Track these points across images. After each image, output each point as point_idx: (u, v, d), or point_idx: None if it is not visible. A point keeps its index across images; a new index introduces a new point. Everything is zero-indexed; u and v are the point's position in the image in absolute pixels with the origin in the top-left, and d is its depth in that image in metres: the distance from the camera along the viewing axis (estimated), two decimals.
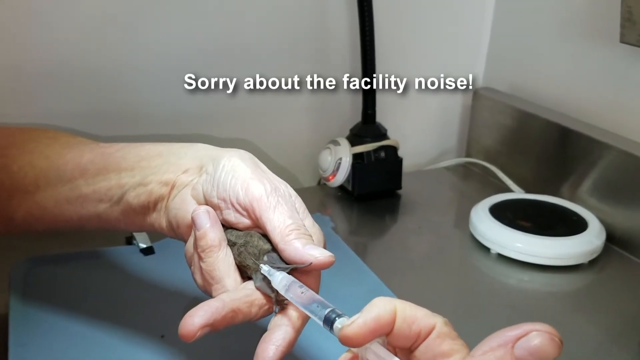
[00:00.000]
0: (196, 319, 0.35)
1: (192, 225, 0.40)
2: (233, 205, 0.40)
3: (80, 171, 0.47)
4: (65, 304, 0.55)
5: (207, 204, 0.41)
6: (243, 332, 0.53)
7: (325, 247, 0.40)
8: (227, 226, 0.41)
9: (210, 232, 0.39)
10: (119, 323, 0.53)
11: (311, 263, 0.37)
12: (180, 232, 0.43)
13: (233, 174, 0.40)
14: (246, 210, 0.39)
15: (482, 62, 0.95)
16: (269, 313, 0.38)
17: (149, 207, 0.44)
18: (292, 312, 0.37)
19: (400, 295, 0.57)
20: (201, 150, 0.44)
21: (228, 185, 0.40)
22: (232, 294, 0.37)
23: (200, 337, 0.35)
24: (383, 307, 0.31)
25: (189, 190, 0.42)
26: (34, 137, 0.53)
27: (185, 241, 0.43)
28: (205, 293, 0.40)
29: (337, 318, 0.34)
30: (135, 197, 0.44)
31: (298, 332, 0.37)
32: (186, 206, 0.42)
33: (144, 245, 0.64)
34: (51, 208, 0.48)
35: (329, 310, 0.34)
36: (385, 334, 0.31)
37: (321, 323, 0.34)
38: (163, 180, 0.43)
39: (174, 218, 0.43)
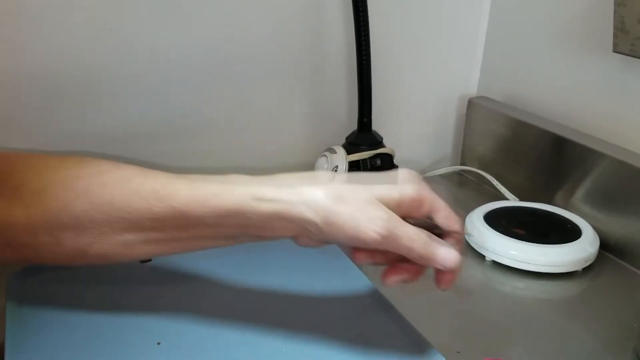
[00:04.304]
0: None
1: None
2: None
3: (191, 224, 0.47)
4: (61, 312, 0.55)
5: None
6: (237, 339, 0.53)
7: None
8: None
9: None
10: (116, 330, 0.53)
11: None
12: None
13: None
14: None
15: (477, 71, 0.96)
16: None
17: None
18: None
19: (396, 302, 0.58)
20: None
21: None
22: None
23: None
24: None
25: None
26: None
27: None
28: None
29: None
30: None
31: None
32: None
33: None
34: (139, 247, 0.49)
35: None
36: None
37: None
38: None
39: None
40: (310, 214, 0.44)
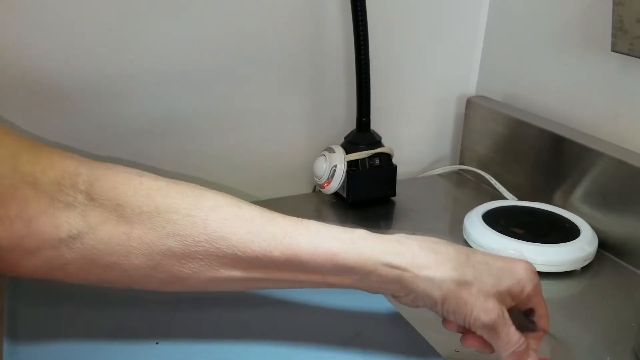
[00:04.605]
0: None
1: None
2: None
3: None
4: (61, 311, 0.56)
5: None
6: (236, 339, 0.53)
7: None
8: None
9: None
10: (114, 330, 0.53)
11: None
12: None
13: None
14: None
15: (476, 71, 0.96)
16: None
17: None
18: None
19: (395, 302, 0.57)
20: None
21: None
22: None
23: None
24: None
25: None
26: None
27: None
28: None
29: None
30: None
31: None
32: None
33: None
34: (238, 283, 0.48)
35: None
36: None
37: None
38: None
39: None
40: (434, 292, 0.45)
